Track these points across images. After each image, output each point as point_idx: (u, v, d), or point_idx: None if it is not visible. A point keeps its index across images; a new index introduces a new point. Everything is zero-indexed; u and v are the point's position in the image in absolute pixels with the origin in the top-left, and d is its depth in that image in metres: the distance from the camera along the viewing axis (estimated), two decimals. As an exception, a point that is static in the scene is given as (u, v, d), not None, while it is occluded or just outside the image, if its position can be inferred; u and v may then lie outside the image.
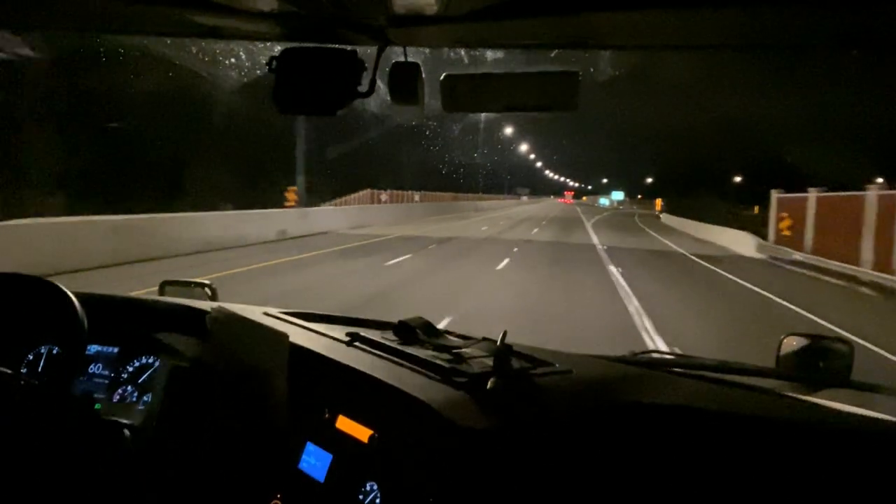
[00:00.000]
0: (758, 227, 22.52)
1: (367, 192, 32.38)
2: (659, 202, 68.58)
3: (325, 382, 1.22)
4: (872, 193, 14.64)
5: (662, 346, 6.09)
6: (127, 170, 18.81)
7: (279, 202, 20.43)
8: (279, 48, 1.12)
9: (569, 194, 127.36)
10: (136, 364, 1.61)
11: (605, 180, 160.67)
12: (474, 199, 58.60)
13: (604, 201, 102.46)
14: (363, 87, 1.10)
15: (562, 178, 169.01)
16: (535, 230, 28.02)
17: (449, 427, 0.95)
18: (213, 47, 19.64)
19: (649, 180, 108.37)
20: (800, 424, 1.01)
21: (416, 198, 39.82)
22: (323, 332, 1.45)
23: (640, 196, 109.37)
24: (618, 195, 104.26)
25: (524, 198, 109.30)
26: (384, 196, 33.51)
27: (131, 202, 14.95)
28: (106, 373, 1.61)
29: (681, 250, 19.75)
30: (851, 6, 0.84)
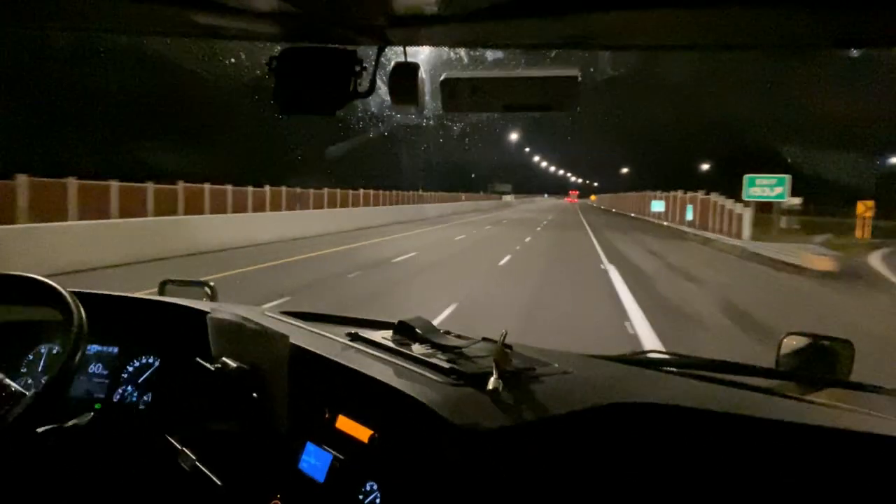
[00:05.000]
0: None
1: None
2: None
3: (325, 382, 1.22)
4: None
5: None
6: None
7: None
8: (279, 48, 1.12)
9: (574, 193, 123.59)
10: (136, 364, 1.61)
11: (625, 170, 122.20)
12: (401, 203, 32.92)
13: (659, 206, 36.57)
14: (363, 87, 1.10)
15: (560, 172, 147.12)
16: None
17: (449, 427, 0.95)
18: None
19: (705, 167, 54.38)
20: (800, 424, 1.01)
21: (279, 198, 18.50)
22: (323, 332, 1.45)
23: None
24: (774, 186, 19.36)
25: (508, 198, 78.83)
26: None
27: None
28: (106, 373, 1.61)
29: None
30: (851, 6, 0.84)
